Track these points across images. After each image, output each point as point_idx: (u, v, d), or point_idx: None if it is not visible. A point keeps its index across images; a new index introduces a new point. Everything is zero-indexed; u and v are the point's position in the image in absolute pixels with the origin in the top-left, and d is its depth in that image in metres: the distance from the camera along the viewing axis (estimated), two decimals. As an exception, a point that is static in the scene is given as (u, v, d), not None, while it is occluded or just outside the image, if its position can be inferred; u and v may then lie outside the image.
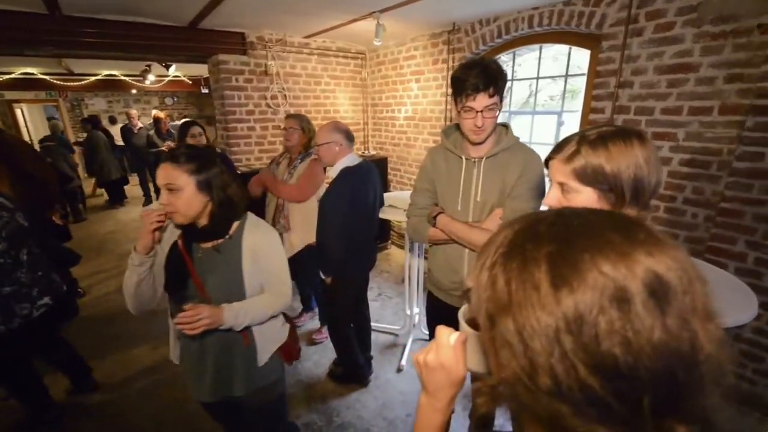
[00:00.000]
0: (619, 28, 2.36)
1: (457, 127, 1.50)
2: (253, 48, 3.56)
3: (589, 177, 0.82)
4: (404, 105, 4.10)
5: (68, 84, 6.53)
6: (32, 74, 6.01)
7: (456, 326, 0.58)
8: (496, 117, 1.34)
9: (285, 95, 3.87)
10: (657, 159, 0.82)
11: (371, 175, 2.06)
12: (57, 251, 2.79)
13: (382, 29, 2.97)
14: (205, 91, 8.06)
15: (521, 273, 0.35)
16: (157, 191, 1.29)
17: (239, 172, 3.37)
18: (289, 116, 2.52)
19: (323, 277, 2.08)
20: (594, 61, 2.57)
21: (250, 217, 1.37)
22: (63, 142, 5.86)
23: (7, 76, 5.83)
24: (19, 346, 1.98)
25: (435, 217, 1.45)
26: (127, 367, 2.63)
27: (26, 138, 8.45)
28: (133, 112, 6.65)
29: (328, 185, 2.00)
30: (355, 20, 3.10)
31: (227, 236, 1.30)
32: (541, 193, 1.37)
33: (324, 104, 4.20)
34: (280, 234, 2.56)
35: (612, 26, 2.39)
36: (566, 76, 2.94)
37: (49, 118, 5.74)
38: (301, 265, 2.60)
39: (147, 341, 2.87)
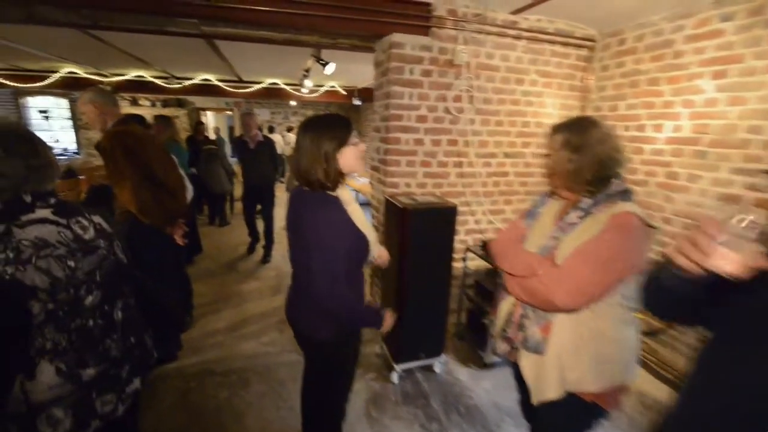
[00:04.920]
0: None
1: None
2: (440, 25, 2.43)
3: None
4: (671, 118, 2.41)
5: (237, 91, 6.73)
6: (209, 80, 6.31)
7: None
8: None
9: (472, 96, 2.63)
10: None
11: None
12: (162, 304, 1.41)
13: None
14: (356, 102, 7.64)
15: None
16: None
17: (399, 205, 2.21)
18: (572, 124, 1.21)
19: None
20: None
21: None
22: (222, 145, 5.88)
23: (189, 82, 6.21)
24: None
25: None
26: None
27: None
28: (254, 120, 4.06)
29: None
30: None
31: None
32: None
33: (524, 113, 2.82)
34: (511, 354, 1.23)
35: None
36: None
37: (198, 123, 5.81)
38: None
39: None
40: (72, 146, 9.45)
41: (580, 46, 2.84)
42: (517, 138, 2.85)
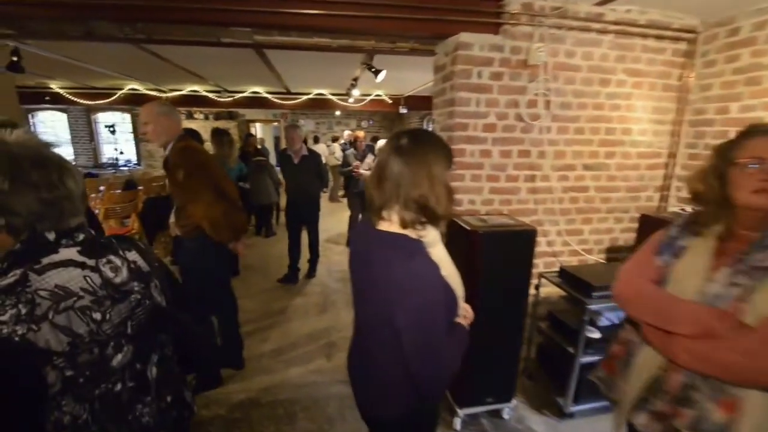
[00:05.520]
0: None
1: None
2: (514, 21, 2.14)
3: None
4: (811, 122, 1.94)
5: (285, 102, 6.78)
6: (258, 93, 6.40)
7: None
8: None
9: (548, 101, 2.29)
10: None
11: None
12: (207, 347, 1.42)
13: None
14: (403, 111, 7.45)
15: None
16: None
17: (468, 228, 1.92)
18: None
19: None
20: None
21: None
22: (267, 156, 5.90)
23: (240, 95, 6.33)
24: None
25: None
26: None
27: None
28: (298, 134, 3.74)
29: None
30: None
31: None
32: None
33: (608, 118, 2.43)
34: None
35: None
36: None
37: (248, 135, 5.87)
38: None
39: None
40: (134, 158, 10.09)
41: (677, 39, 2.41)
42: (600, 147, 2.46)
